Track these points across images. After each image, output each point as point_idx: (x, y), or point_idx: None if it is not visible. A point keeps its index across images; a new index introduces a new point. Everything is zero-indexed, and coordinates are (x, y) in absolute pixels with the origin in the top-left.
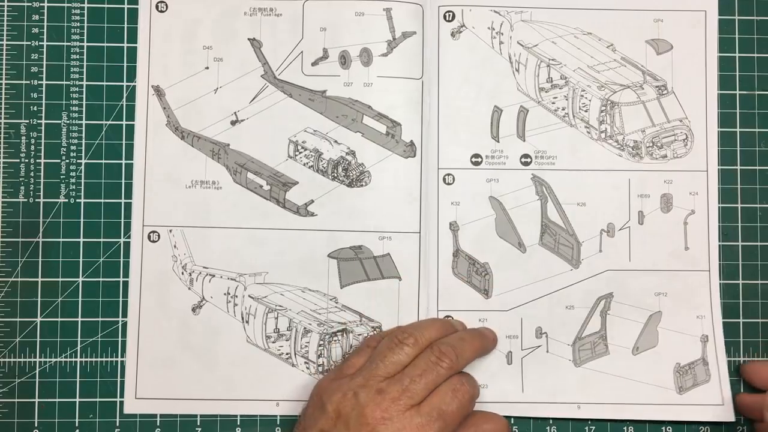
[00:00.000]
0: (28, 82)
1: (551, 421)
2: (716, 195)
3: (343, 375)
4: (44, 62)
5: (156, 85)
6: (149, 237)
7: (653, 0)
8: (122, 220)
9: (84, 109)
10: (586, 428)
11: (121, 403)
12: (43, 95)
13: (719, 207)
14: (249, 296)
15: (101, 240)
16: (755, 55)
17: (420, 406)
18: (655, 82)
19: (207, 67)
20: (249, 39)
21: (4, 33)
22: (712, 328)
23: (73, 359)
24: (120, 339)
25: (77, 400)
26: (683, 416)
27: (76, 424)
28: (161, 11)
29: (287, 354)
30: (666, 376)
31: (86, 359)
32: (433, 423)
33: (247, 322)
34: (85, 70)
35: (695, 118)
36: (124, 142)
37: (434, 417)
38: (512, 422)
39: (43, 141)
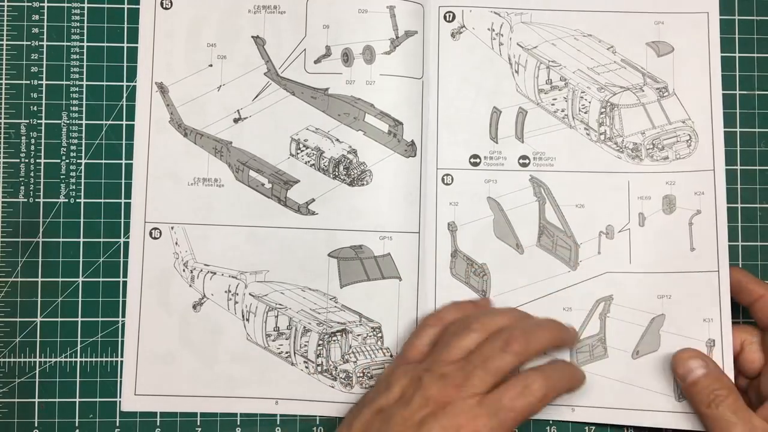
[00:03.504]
0: (28, 82)
1: (551, 422)
2: (724, 194)
3: (408, 360)
4: (44, 62)
5: (159, 82)
6: (151, 234)
7: (654, 3)
8: (122, 220)
9: (84, 109)
10: (586, 428)
11: (121, 402)
12: (43, 95)
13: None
14: (249, 294)
15: (101, 240)
16: (755, 55)
17: (485, 397)
18: (655, 84)
19: (210, 65)
20: (252, 36)
21: (4, 33)
22: (720, 333)
23: (73, 359)
24: (120, 339)
25: (77, 400)
26: (680, 424)
27: (76, 424)
28: (166, 8)
29: (287, 353)
30: (666, 382)
31: (86, 359)
32: (489, 417)
33: (248, 320)
34: (85, 70)
35: (699, 118)
36: (124, 141)
37: (492, 412)
38: None
39: (43, 141)
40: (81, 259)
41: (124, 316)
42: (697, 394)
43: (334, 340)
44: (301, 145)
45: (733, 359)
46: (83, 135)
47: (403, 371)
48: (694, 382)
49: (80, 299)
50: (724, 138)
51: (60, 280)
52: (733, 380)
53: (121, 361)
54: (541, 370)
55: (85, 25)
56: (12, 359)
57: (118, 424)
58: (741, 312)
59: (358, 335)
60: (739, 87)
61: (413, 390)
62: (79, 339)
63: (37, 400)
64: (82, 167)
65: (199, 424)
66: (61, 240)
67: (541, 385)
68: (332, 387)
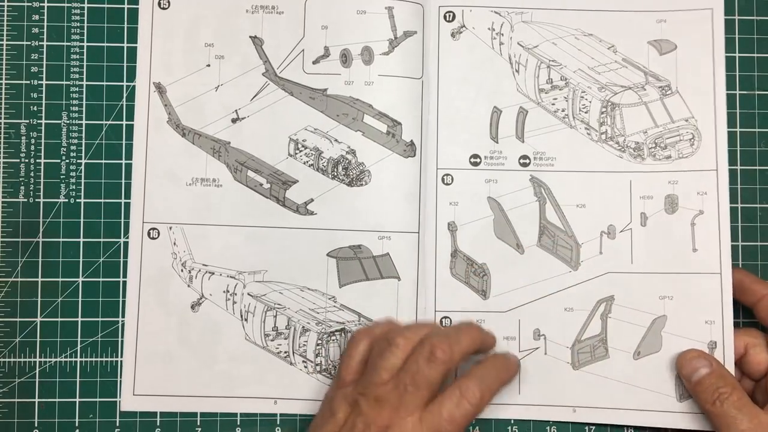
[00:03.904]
0: (28, 82)
1: (551, 422)
2: (727, 194)
3: (344, 381)
4: (44, 62)
5: (157, 83)
6: (149, 234)
7: (656, 0)
8: (122, 220)
9: (84, 109)
10: (586, 428)
11: (121, 402)
12: (43, 95)
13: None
14: (248, 294)
15: (101, 240)
16: (755, 55)
17: (424, 412)
18: (657, 83)
19: (208, 65)
20: (250, 36)
21: (4, 33)
22: (722, 335)
23: (73, 359)
24: (120, 339)
25: (77, 400)
26: (681, 424)
27: (76, 424)
28: (163, 8)
29: (285, 352)
30: (667, 383)
31: (86, 359)
32: None
33: (246, 320)
34: (85, 70)
35: (702, 116)
36: (124, 141)
37: (434, 427)
38: (512, 423)
39: (43, 141)
40: (81, 259)
41: (124, 316)
42: (701, 393)
43: (333, 340)
44: (299, 146)
45: (737, 363)
46: (83, 135)
47: (342, 396)
48: (699, 381)
49: (80, 299)
50: (729, 138)
51: (60, 280)
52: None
53: (121, 361)
54: (473, 374)
55: (85, 25)
56: (12, 359)
57: (118, 424)
58: (741, 313)
59: None
60: (739, 87)
61: (354, 416)
62: (79, 339)
63: (37, 400)
64: (82, 167)
65: (199, 424)
66: (61, 240)
67: (476, 390)
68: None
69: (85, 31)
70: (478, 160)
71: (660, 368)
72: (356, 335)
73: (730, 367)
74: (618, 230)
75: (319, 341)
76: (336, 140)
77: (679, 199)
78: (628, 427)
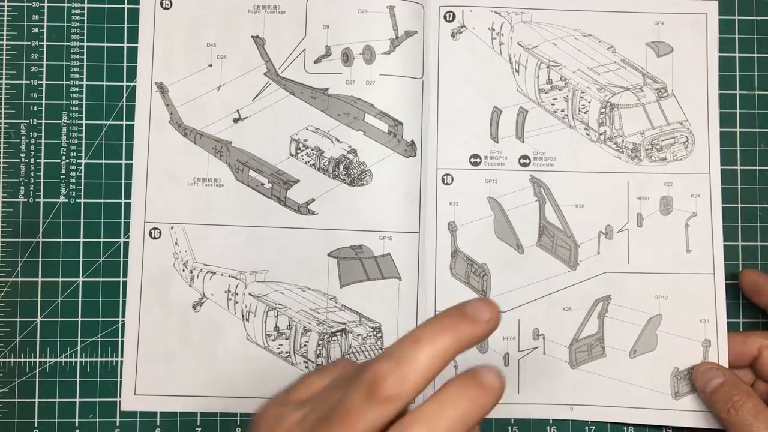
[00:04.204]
0: (28, 82)
1: (551, 422)
2: (719, 197)
3: (290, 399)
4: (44, 62)
5: (159, 82)
6: (150, 234)
7: (654, 3)
8: (122, 220)
9: (84, 109)
10: (586, 428)
11: (121, 402)
12: (43, 95)
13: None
14: (249, 294)
15: (101, 240)
16: (755, 55)
17: None
18: (655, 85)
19: (210, 65)
20: (252, 36)
21: (4, 33)
22: (716, 333)
23: (73, 359)
24: (120, 339)
25: (77, 400)
26: (677, 422)
27: (76, 424)
28: (165, 8)
29: (287, 353)
30: (663, 381)
31: (86, 359)
32: None
33: (248, 320)
34: (85, 70)
35: (696, 120)
36: (124, 141)
37: None
38: (512, 422)
39: (43, 141)
40: (81, 259)
41: (124, 316)
42: (716, 403)
43: (334, 340)
44: (300, 145)
45: (751, 365)
46: (83, 135)
47: (276, 415)
48: (713, 391)
49: (80, 299)
50: (721, 139)
51: (60, 280)
52: (750, 385)
53: (121, 361)
54: (424, 410)
55: (85, 25)
56: (12, 359)
57: (118, 424)
58: (741, 312)
59: (358, 335)
60: (739, 87)
61: None
62: (79, 339)
63: (37, 400)
64: (82, 167)
65: (199, 424)
66: (61, 240)
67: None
68: None
69: (85, 31)
70: (478, 160)
71: (656, 366)
72: (345, 360)
73: (725, 364)
74: (615, 230)
75: (320, 341)
76: (337, 140)
77: (674, 201)
78: (625, 424)
